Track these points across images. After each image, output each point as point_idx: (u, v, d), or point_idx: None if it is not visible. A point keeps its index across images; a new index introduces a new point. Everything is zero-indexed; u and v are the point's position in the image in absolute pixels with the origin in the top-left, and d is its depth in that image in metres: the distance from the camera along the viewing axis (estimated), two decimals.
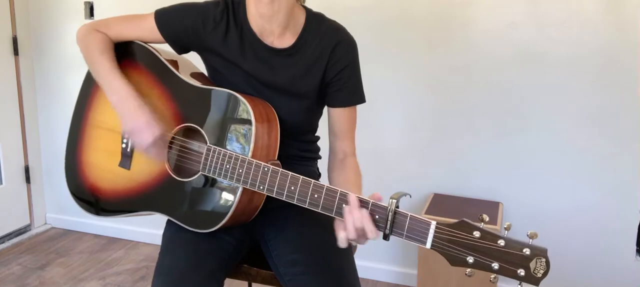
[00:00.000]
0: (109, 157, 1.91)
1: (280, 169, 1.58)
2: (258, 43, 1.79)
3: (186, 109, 1.80)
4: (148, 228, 3.78)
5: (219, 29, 1.80)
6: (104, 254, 3.67)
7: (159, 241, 1.86)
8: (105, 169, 1.92)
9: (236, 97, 1.70)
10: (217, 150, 1.68)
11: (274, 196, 1.60)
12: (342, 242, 1.49)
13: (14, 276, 3.34)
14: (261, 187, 1.60)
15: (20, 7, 3.76)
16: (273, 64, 1.80)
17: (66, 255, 3.64)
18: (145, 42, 1.92)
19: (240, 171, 1.62)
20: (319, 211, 1.52)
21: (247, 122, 1.67)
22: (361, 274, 2.21)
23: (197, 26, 1.81)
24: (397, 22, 3.07)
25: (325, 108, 1.91)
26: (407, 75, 3.12)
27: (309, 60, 1.80)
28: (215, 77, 1.90)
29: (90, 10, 3.64)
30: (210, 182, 1.72)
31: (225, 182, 1.68)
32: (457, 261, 1.32)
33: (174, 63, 1.90)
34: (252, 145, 1.65)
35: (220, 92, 1.75)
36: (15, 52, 3.76)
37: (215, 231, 1.72)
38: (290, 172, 1.56)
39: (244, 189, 1.65)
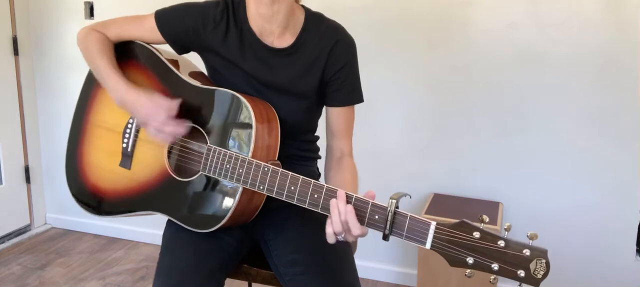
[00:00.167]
0: (109, 157, 1.92)
1: (280, 169, 1.58)
2: (258, 43, 1.79)
3: (186, 108, 1.79)
4: (148, 228, 3.77)
5: (219, 29, 1.80)
6: (104, 254, 3.67)
7: (159, 241, 1.86)
8: (105, 169, 1.92)
9: (237, 97, 1.71)
10: (217, 150, 1.68)
11: (274, 196, 1.60)
12: (329, 238, 1.50)
13: (14, 276, 3.34)
14: (261, 187, 1.60)
15: (20, 7, 3.76)
16: (272, 63, 1.80)
17: (66, 255, 3.64)
18: (146, 43, 1.92)
19: (241, 170, 1.63)
20: (318, 211, 1.53)
21: (248, 122, 1.67)
22: (361, 274, 2.21)
23: (197, 26, 1.81)
24: (397, 22, 3.07)
25: (324, 107, 1.92)
26: (407, 75, 3.12)
27: (308, 60, 1.80)
28: (215, 77, 1.90)
29: (90, 10, 3.64)
30: (210, 182, 1.72)
31: (225, 182, 1.68)
32: (457, 262, 1.31)
33: (175, 63, 1.90)
34: (252, 145, 1.65)
35: (220, 92, 1.75)
36: (15, 52, 3.76)
37: (215, 231, 1.72)
38: (290, 172, 1.57)
39: (244, 189, 1.65)
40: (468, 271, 1.31)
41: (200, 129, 1.76)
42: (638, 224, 2.86)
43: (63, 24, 3.74)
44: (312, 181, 1.53)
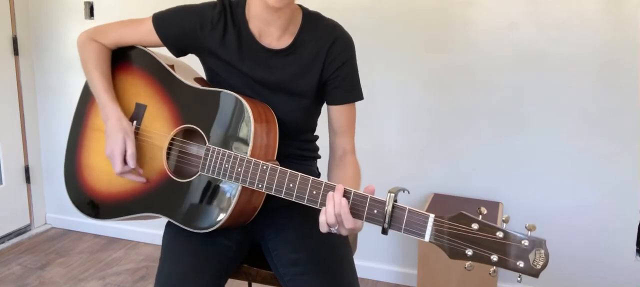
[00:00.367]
0: (108, 160, 1.92)
1: (279, 167, 1.59)
2: (256, 45, 1.79)
3: (186, 110, 1.80)
4: (148, 228, 3.77)
5: (217, 30, 1.81)
6: (104, 254, 3.67)
7: (159, 241, 1.86)
8: (104, 172, 1.92)
9: (235, 98, 1.71)
10: (216, 150, 1.69)
11: (272, 193, 1.60)
12: (322, 226, 1.51)
13: (14, 276, 3.34)
14: (260, 186, 1.61)
15: (20, 7, 3.76)
16: (271, 64, 1.80)
17: (66, 255, 3.64)
18: (145, 46, 1.93)
19: (239, 169, 1.63)
20: (317, 207, 1.53)
21: (246, 122, 1.67)
22: (361, 274, 2.22)
23: (194, 28, 1.82)
24: (398, 21, 3.08)
25: (325, 106, 1.92)
26: (407, 75, 3.12)
27: (306, 60, 1.80)
28: (213, 78, 1.91)
29: (90, 10, 3.64)
30: (209, 183, 1.72)
31: (224, 182, 1.68)
32: (457, 254, 1.32)
33: (173, 66, 1.91)
34: (250, 144, 1.65)
35: (219, 94, 1.76)
36: (15, 52, 3.76)
37: (214, 235, 1.73)
38: (289, 170, 1.57)
39: (243, 189, 1.65)
40: (467, 263, 1.31)
41: (199, 131, 1.76)
42: (638, 224, 2.86)
43: (63, 24, 3.74)
44: (311, 177, 1.54)
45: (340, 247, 1.81)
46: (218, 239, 1.77)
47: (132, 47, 1.94)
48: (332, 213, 1.46)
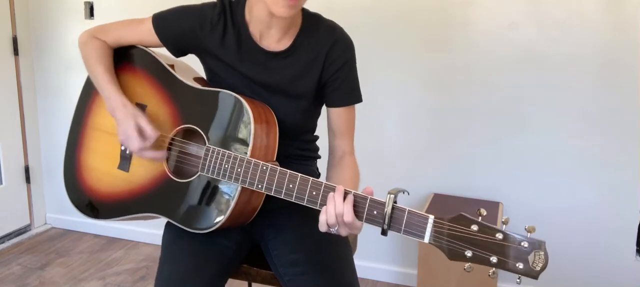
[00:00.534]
0: (108, 160, 1.92)
1: (279, 168, 1.58)
2: (256, 47, 1.79)
3: (186, 110, 1.80)
4: (148, 228, 3.77)
5: (216, 31, 1.80)
6: (104, 254, 3.67)
7: (159, 241, 1.86)
8: (104, 172, 1.93)
9: (235, 98, 1.71)
10: (216, 150, 1.68)
11: (272, 194, 1.60)
12: (321, 226, 1.51)
13: (14, 276, 3.34)
14: (260, 186, 1.61)
15: (20, 7, 3.76)
16: (270, 66, 1.80)
17: (66, 255, 3.64)
18: (145, 46, 1.93)
19: (239, 170, 1.63)
20: (317, 208, 1.53)
21: (246, 122, 1.67)
22: (361, 274, 2.22)
23: (194, 28, 1.82)
24: (398, 21, 3.08)
25: (324, 107, 1.92)
26: (407, 75, 3.12)
27: (305, 61, 1.80)
28: (213, 79, 1.91)
29: (90, 10, 3.64)
30: (209, 183, 1.72)
31: (224, 182, 1.68)
32: (456, 255, 1.32)
33: (173, 66, 1.91)
34: (250, 145, 1.65)
35: (219, 94, 1.75)
36: (15, 52, 3.76)
37: (214, 235, 1.73)
38: (289, 171, 1.57)
39: (243, 189, 1.65)
40: (467, 265, 1.31)
41: (199, 131, 1.76)
42: (638, 224, 2.86)
43: (63, 24, 3.74)
44: (311, 178, 1.54)
45: (340, 247, 1.81)
46: (218, 239, 1.77)
47: (132, 47, 1.94)
48: (333, 213, 1.46)
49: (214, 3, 1.83)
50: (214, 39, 1.81)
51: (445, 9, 3.00)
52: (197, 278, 1.66)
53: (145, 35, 1.89)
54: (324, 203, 1.50)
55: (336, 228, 1.49)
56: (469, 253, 1.29)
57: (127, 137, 1.77)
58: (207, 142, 1.72)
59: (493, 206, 2.96)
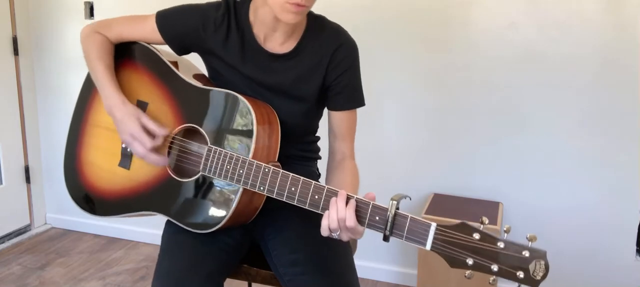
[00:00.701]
0: (108, 157, 1.92)
1: (281, 170, 1.58)
2: (259, 49, 1.79)
3: (187, 109, 1.80)
4: (148, 228, 3.78)
5: (220, 32, 1.80)
6: (104, 254, 3.67)
7: (159, 241, 1.86)
8: (104, 169, 1.92)
9: (238, 99, 1.71)
10: (217, 151, 1.68)
11: (274, 196, 1.60)
12: (323, 230, 1.51)
13: (14, 276, 3.34)
14: (261, 188, 1.60)
15: (20, 7, 3.75)
16: (273, 68, 1.80)
17: (66, 255, 3.64)
18: (147, 43, 1.93)
19: (241, 171, 1.63)
20: (319, 212, 1.53)
21: (249, 123, 1.67)
22: (361, 274, 2.22)
23: (197, 28, 1.81)
24: (397, 21, 3.07)
25: (325, 109, 1.91)
26: (407, 75, 3.12)
27: (309, 64, 1.80)
28: (215, 78, 1.90)
29: (90, 10, 3.64)
30: (210, 183, 1.72)
31: (225, 182, 1.68)
32: (457, 263, 1.32)
33: (175, 64, 1.90)
34: (253, 146, 1.65)
35: (222, 93, 1.75)
36: (15, 52, 3.75)
37: (214, 233, 1.72)
38: (291, 173, 1.57)
39: (244, 190, 1.65)
40: (468, 272, 1.31)
41: (201, 130, 1.76)
42: (638, 224, 2.86)
43: (63, 24, 3.74)
44: (313, 182, 1.53)
45: (340, 247, 1.80)
46: (218, 236, 1.76)
47: (134, 43, 1.93)
48: (335, 218, 1.46)
49: (218, 3, 1.82)
50: (217, 39, 1.80)
51: (445, 9, 2.99)
52: (195, 274, 1.66)
53: (148, 33, 1.88)
54: (325, 207, 1.50)
55: (338, 233, 1.49)
56: (470, 261, 1.30)
57: (133, 138, 1.76)
58: (209, 142, 1.72)
59: (493, 206, 2.96)
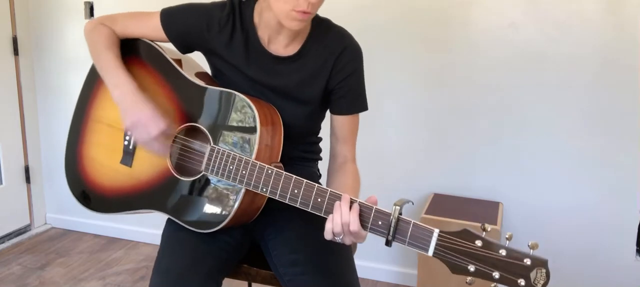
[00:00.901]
0: (110, 154, 1.91)
1: (284, 172, 1.58)
2: (263, 51, 1.79)
3: (190, 108, 1.79)
4: (148, 228, 3.78)
5: (224, 32, 1.80)
6: (104, 254, 3.67)
7: (159, 241, 1.86)
8: (106, 165, 1.92)
9: (242, 99, 1.70)
10: (220, 151, 1.68)
11: (277, 198, 1.60)
12: (327, 234, 1.51)
13: (14, 276, 3.34)
14: (264, 190, 1.61)
15: (20, 7, 3.75)
16: (277, 70, 1.80)
17: (66, 255, 3.64)
18: (151, 40, 1.92)
19: (244, 172, 1.63)
20: (322, 215, 1.53)
21: (252, 124, 1.67)
22: (361, 274, 2.22)
23: (201, 28, 1.81)
24: (397, 22, 3.07)
25: (328, 112, 1.92)
26: (407, 75, 3.12)
27: (313, 67, 1.79)
28: (218, 77, 1.90)
29: (90, 10, 3.63)
30: (212, 183, 1.72)
31: (228, 183, 1.68)
32: (459, 269, 1.32)
33: (179, 62, 1.90)
34: (256, 147, 1.65)
35: (225, 93, 1.74)
36: (15, 52, 3.75)
37: (215, 231, 1.72)
38: (294, 176, 1.57)
39: (247, 191, 1.65)
40: (469, 278, 1.31)
41: (203, 129, 1.76)
42: (638, 224, 2.87)
43: (63, 24, 3.73)
44: (316, 184, 1.54)
45: (340, 247, 1.80)
46: (218, 235, 1.76)
47: (137, 40, 1.93)
48: (339, 222, 1.46)
49: (223, 3, 1.82)
50: (222, 40, 1.80)
51: (445, 9, 2.99)
52: (195, 273, 1.66)
53: (153, 30, 1.88)
54: (328, 211, 1.51)
55: (341, 237, 1.49)
56: (471, 268, 1.30)
57: (138, 124, 1.72)
58: (211, 142, 1.72)
59: (493, 206, 2.96)
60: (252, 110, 1.67)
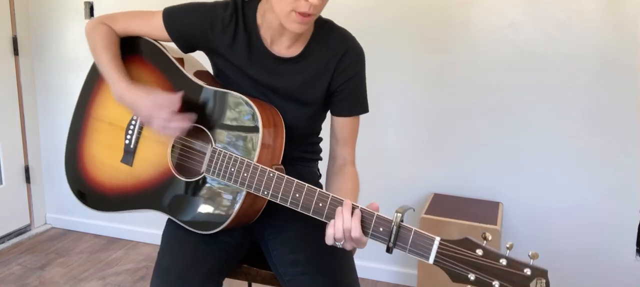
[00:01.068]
0: (111, 153, 1.91)
1: (286, 176, 1.58)
2: (266, 52, 1.79)
3: (192, 109, 1.78)
4: (148, 228, 3.78)
5: (227, 32, 1.79)
6: (104, 254, 3.67)
7: (159, 241, 1.86)
8: (106, 164, 1.92)
9: (244, 100, 1.70)
10: (222, 152, 1.68)
11: (278, 202, 1.60)
12: (328, 239, 1.51)
13: (14, 276, 3.35)
14: (265, 193, 1.61)
15: (20, 7, 3.75)
16: (279, 71, 1.80)
17: (66, 255, 3.64)
18: (153, 39, 1.92)
19: (245, 174, 1.62)
20: (323, 220, 1.53)
21: (255, 125, 1.66)
22: (361, 274, 2.22)
23: (204, 28, 1.81)
24: (397, 22, 3.07)
25: (328, 113, 1.92)
26: (407, 75, 3.12)
27: (315, 69, 1.79)
28: (220, 77, 1.90)
29: (90, 10, 3.63)
30: (214, 184, 1.72)
31: (229, 184, 1.68)
32: (459, 278, 1.33)
33: (181, 60, 1.90)
34: (258, 149, 1.65)
35: (227, 94, 1.74)
36: (15, 52, 3.75)
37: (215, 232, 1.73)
38: (296, 180, 1.57)
39: (247, 193, 1.65)
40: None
41: (206, 131, 1.75)
42: (638, 224, 2.87)
43: (63, 24, 3.73)
44: (317, 189, 1.53)
45: (340, 247, 1.81)
46: (218, 236, 1.76)
47: (139, 38, 1.92)
48: (341, 228, 1.46)
49: (226, 3, 1.82)
50: (224, 40, 1.80)
51: (445, 9, 2.99)
52: (195, 273, 1.66)
53: (155, 29, 1.87)
54: (330, 216, 1.51)
55: (342, 242, 1.49)
56: (472, 276, 1.30)
57: (149, 114, 1.71)
58: (213, 143, 1.72)
59: (493, 206, 2.96)
60: (255, 112, 1.67)
